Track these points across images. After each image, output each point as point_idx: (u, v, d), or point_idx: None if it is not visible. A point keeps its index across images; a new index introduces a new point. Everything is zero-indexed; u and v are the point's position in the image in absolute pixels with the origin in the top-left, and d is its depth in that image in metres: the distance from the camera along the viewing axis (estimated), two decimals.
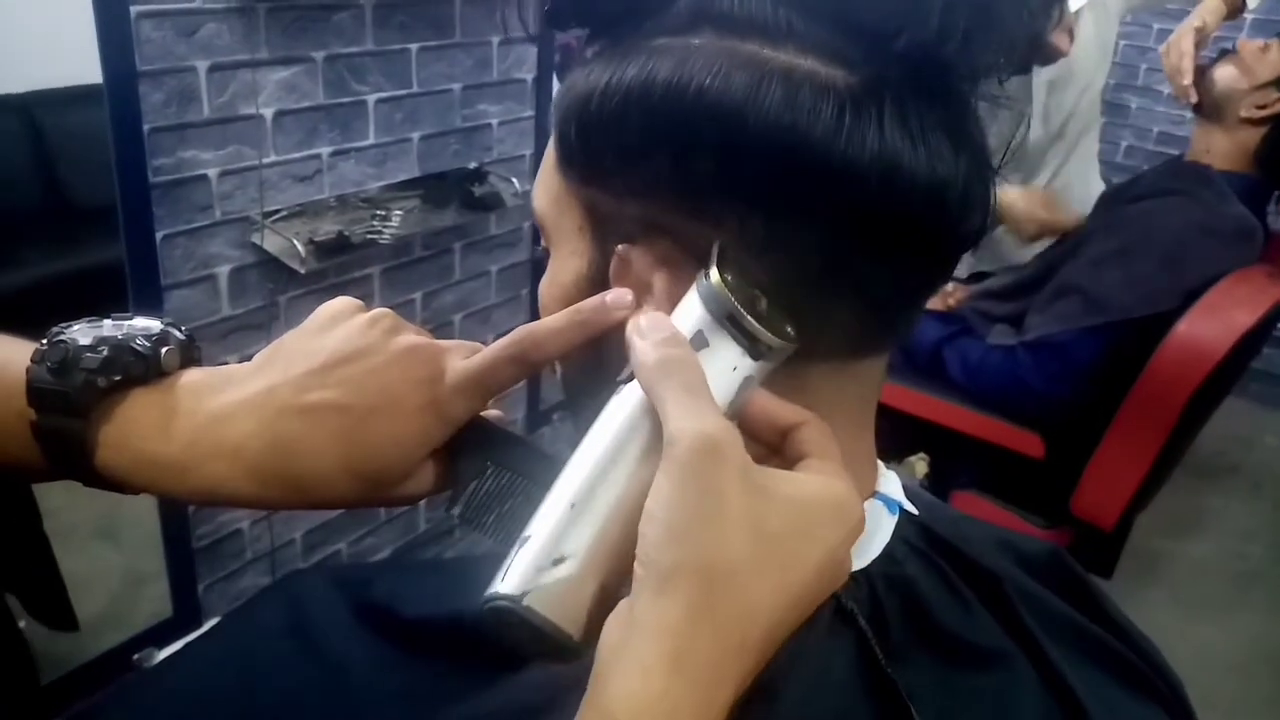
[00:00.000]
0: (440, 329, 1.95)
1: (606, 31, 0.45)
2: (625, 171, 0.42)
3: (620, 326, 0.43)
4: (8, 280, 2.48)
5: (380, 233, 1.63)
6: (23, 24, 2.45)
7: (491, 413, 0.50)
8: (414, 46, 1.69)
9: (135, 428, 0.45)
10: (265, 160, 1.52)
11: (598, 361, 0.46)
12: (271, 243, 1.53)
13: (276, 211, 1.56)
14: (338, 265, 1.64)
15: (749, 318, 0.38)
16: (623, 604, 0.34)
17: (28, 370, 0.45)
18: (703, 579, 0.33)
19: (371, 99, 1.66)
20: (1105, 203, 1.86)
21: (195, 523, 1.66)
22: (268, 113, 1.50)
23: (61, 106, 2.66)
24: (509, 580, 0.35)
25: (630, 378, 0.38)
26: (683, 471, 0.34)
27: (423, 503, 0.49)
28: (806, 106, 0.38)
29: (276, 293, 1.60)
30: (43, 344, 0.46)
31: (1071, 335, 1.62)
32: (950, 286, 1.96)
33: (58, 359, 0.45)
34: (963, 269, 2.14)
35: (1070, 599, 0.54)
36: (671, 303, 0.41)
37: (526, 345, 0.45)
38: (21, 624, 1.58)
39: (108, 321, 0.47)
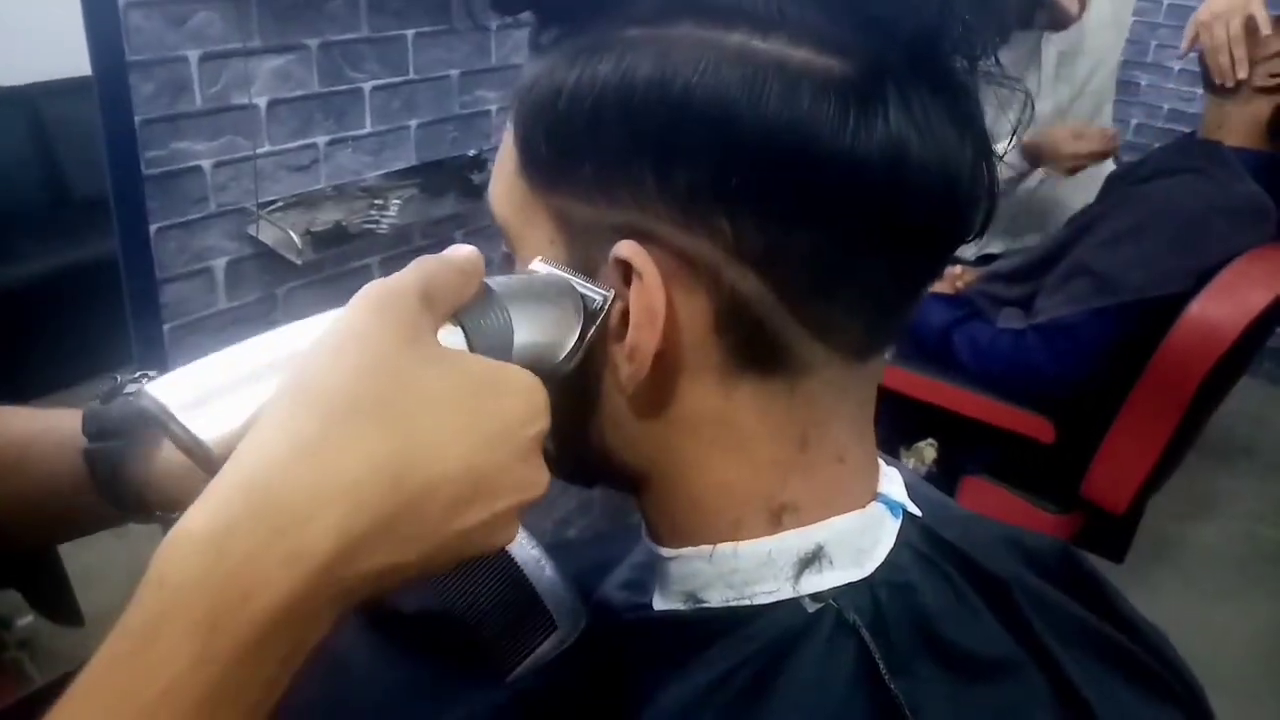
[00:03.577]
0: None
1: (562, 19, 0.41)
2: (603, 178, 0.39)
3: None
4: (10, 272, 2.47)
5: (378, 222, 1.61)
6: (24, 15, 2.44)
7: None
8: (410, 32, 1.66)
9: (166, 440, 0.47)
10: (260, 150, 1.49)
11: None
12: (268, 234, 1.51)
13: (272, 202, 1.54)
14: (335, 256, 1.62)
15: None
16: None
17: (87, 406, 0.52)
18: (311, 402, 0.32)
19: (368, 86, 1.63)
20: (1115, 182, 1.83)
21: None
22: (261, 102, 1.47)
23: (64, 98, 2.65)
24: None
25: None
26: (345, 310, 0.34)
27: None
28: (807, 102, 0.36)
29: (274, 285, 1.59)
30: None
31: (1082, 317, 1.59)
32: (958, 269, 1.94)
33: (107, 390, 0.51)
34: (970, 251, 2.11)
35: (1080, 597, 0.52)
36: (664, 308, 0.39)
37: None
38: (29, 619, 1.58)
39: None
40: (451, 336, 0.37)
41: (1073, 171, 1.85)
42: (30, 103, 2.72)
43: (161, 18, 1.31)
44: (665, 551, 0.47)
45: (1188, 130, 1.83)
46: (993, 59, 0.39)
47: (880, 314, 0.42)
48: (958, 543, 0.47)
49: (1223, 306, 1.50)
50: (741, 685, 0.42)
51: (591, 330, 0.41)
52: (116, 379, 0.52)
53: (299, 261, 1.50)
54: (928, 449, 1.78)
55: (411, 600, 0.59)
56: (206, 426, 0.33)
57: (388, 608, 0.59)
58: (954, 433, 1.77)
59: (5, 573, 0.64)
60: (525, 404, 0.36)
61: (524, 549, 0.48)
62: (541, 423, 0.37)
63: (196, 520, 0.30)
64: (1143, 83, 3.34)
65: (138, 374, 0.52)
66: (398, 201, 1.67)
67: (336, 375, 0.32)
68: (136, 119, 1.32)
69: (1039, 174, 1.97)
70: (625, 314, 0.40)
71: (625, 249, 0.39)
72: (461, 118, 1.82)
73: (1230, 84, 1.63)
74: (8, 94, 2.67)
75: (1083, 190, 1.91)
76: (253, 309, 1.57)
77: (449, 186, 1.77)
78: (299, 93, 1.53)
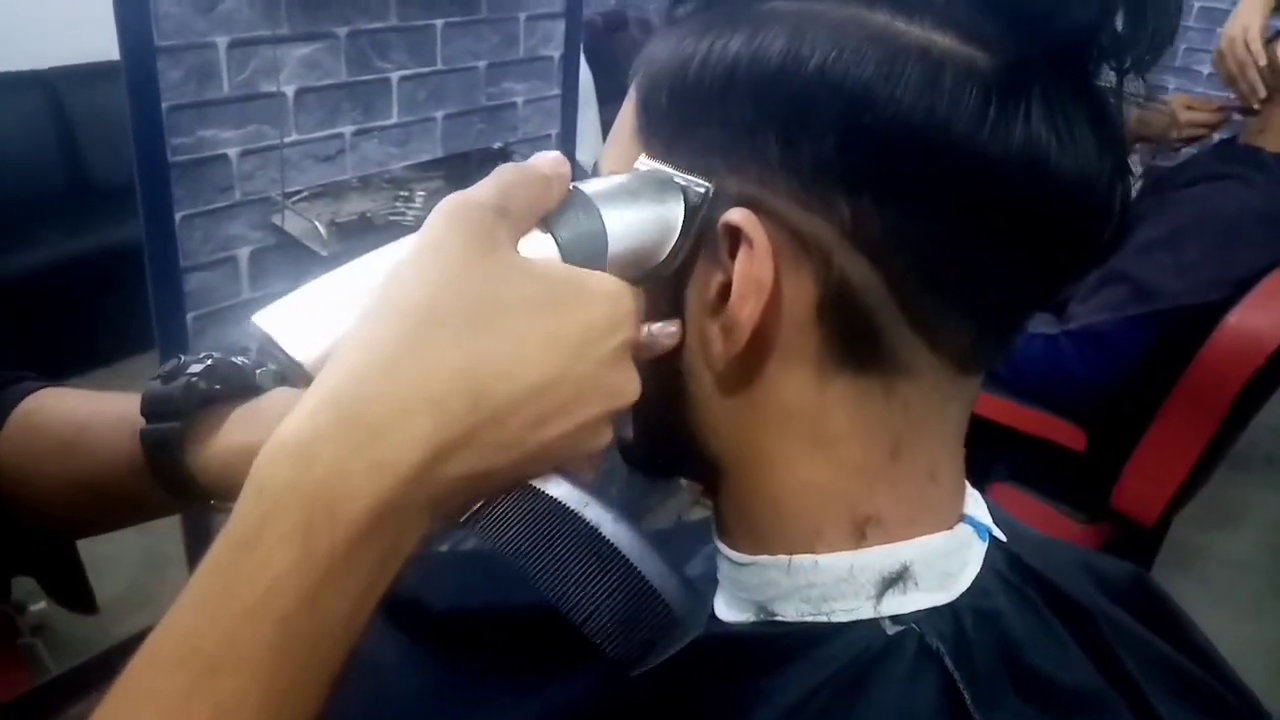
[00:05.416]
0: None
1: None
2: (724, 146, 0.38)
3: None
4: (28, 258, 2.47)
5: (404, 214, 1.59)
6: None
7: None
8: (439, 22, 1.64)
9: (225, 425, 0.49)
10: (287, 139, 1.48)
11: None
12: (293, 224, 1.50)
13: (298, 192, 1.52)
14: (360, 247, 1.59)
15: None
16: None
17: (147, 386, 0.50)
18: (391, 316, 0.32)
19: (395, 76, 1.61)
20: (1153, 187, 1.80)
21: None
22: (289, 90, 1.46)
23: (84, 83, 2.64)
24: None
25: None
26: (422, 228, 0.34)
27: None
28: (947, 90, 0.34)
29: (298, 275, 1.54)
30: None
31: (1117, 324, 1.56)
32: None
33: (169, 370, 0.50)
34: None
35: (1154, 625, 0.50)
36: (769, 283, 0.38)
37: None
38: (42, 605, 1.57)
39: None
40: (541, 244, 0.36)
41: (1187, 143, 1.81)
42: (50, 87, 2.72)
43: (191, 3, 1.29)
44: (738, 557, 0.45)
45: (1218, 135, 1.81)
46: (1140, 78, 0.37)
47: (988, 323, 0.40)
48: (1042, 570, 0.45)
49: (1262, 316, 1.47)
50: (819, 710, 0.40)
51: (694, 226, 0.39)
52: (180, 359, 0.51)
53: (324, 252, 1.48)
54: None
55: (440, 599, 0.57)
56: (301, 348, 0.34)
57: (416, 605, 0.57)
58: (981, 438, 1.74)
59: (20, 559, 0.63)
60: (608, 311, 0.35)
61: (632, 541, 0.46)
62: (627, 330, 0.36)
63: (289, 430, 0.31)
64: (1171, 86, 3.30)
65: (201, 355, 0.51)
66: (423, 193, 1.65)
67: (413, 289, 0.33)
68: (164, 105, 1.30)
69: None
70: (724, 288, 0.39)
71: (737, 215, 0.38)
72: (488, 109, 1.80)
73: (1256, 106, 1.62)
74: (28, 78, 2.67)
75: None
76: (277, 299, 1.55)
77: (475, 179, 1.71)
78: (327, 81, 1.51)
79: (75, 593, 0.68)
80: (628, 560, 0.43)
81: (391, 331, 0.32)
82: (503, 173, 0.36)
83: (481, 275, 0.33)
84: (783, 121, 0.36)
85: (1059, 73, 0.36)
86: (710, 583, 0.49)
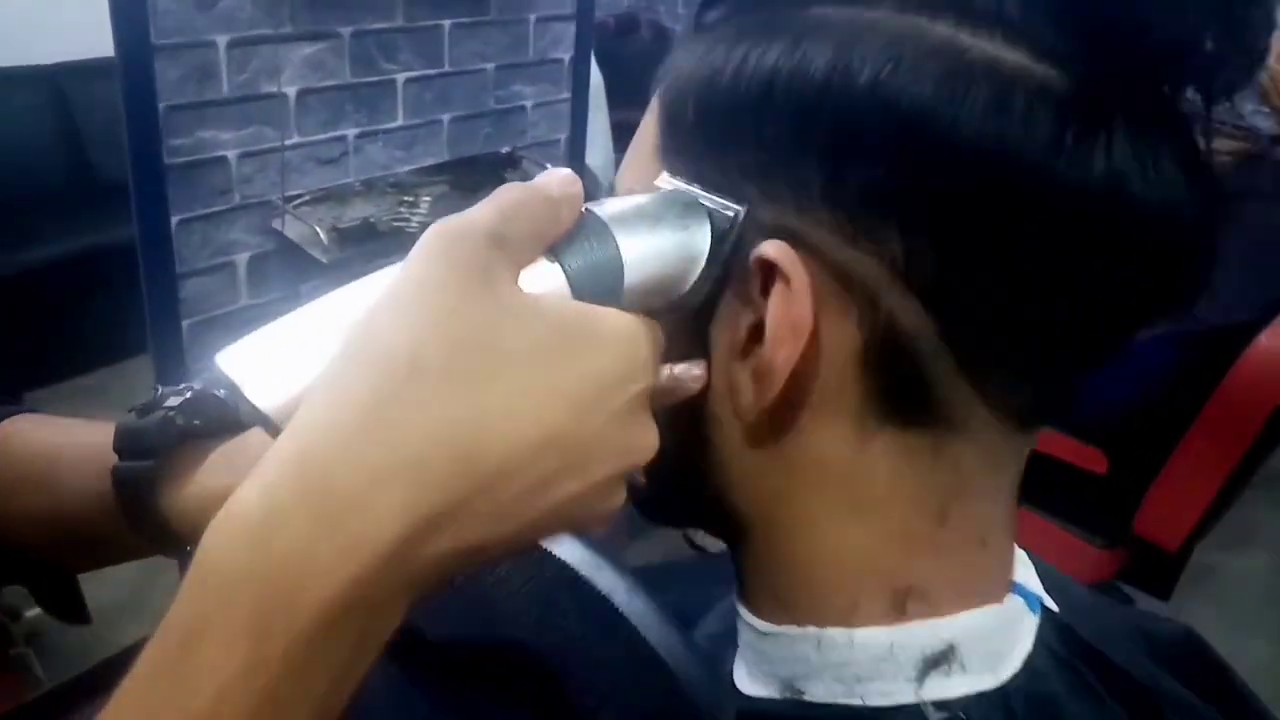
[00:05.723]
0: None
1: None
2: (758, 170, 0.34)
3: None
4: (31, 255, 2.44)
5: (408, 220, 1.56)
6: None
7: None
8: (446, 23, 1.61)
9: (204, 465, 0.45)
10: (288, 142, 1.45)
11: None
12: (293, 229, 1.47)
13: (299, 196, 1.49)
14: (362, 253, 1.57)
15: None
16: None
17: (120, 420, 0.46)
18: (367, 364, 0.28)
19: (401, 78, 1.58)
20: None
21: None
22: (291, 91, 1.43)
23: (87, 78, 2.61)
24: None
25: None
26: (407, 259, 0.30)
27: None
28: (1019, 112, 0.30)
29: (298, 282, 1.54)
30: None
31: (1142, 340, 1.52)
32: None
33: (145, 403, 0.46)
34: None
35: (1209, 693, 0.46)
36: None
37: None
38: (37, 611, 1.55)
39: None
40: (547, 275, 0.31)
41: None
42: (55, 83, 2.69)
43: (190, 1, 1.26)
44: (761, 625, 0.40)
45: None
46: (1228, 100, 0.32)
47: (1051, 375, 0.36)
48: (1097, 644, 0.41)
49: None
50: None
51: (723, 254, 0.35)
52: (157, 390, 0.47)
53: (324, 259, 1.45)
54: None
55: (436, 626, 0.54)
56: (268, 396, 0.30)
57: (411, 634, 0.54)
58: None
59: (12, 569, 0.59)
60: (624, 356, 0.31)
61: (668, 636, 0.42)
62: (645, 378, 0.32)
63: (245, 500, 0.27)
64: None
65: (181, 386, 0.46)
66: (428, 199, 1.62)
67: (395, 332, 0.28)
68: (160, 105, 1.27)
69: None
70: (754, 328, 0.35)
71: (772, 249, 0.33)
72: (496, 113, 1.76)
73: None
74: (31, 73, 2.65)
75: None
76: (275, 307, 1.51)
77: (482, 184, 1.71)
78: (330, 82, 1.48)
79: (68, 603, 0.63)
80: (644, 638, 0.39)
81: (367, 382, 0.28)
82: (504, 194, 0.32)
83: (474, 316, 0.29)
84: (827, 144, 0.32)
85: (1142, 96, 0.32)
86: (728, 643, 0.44)
